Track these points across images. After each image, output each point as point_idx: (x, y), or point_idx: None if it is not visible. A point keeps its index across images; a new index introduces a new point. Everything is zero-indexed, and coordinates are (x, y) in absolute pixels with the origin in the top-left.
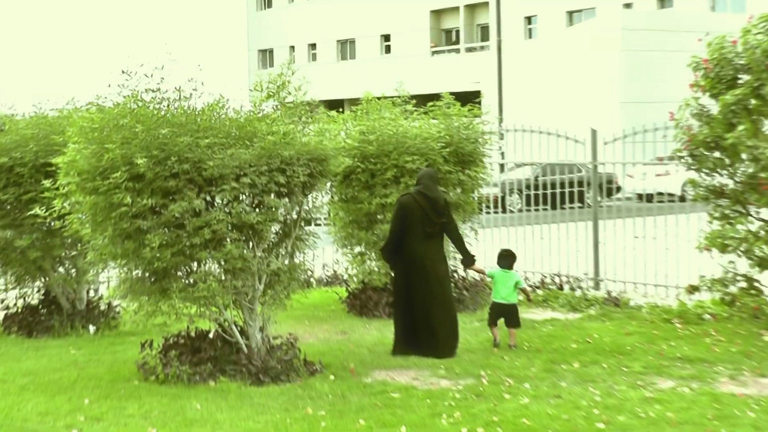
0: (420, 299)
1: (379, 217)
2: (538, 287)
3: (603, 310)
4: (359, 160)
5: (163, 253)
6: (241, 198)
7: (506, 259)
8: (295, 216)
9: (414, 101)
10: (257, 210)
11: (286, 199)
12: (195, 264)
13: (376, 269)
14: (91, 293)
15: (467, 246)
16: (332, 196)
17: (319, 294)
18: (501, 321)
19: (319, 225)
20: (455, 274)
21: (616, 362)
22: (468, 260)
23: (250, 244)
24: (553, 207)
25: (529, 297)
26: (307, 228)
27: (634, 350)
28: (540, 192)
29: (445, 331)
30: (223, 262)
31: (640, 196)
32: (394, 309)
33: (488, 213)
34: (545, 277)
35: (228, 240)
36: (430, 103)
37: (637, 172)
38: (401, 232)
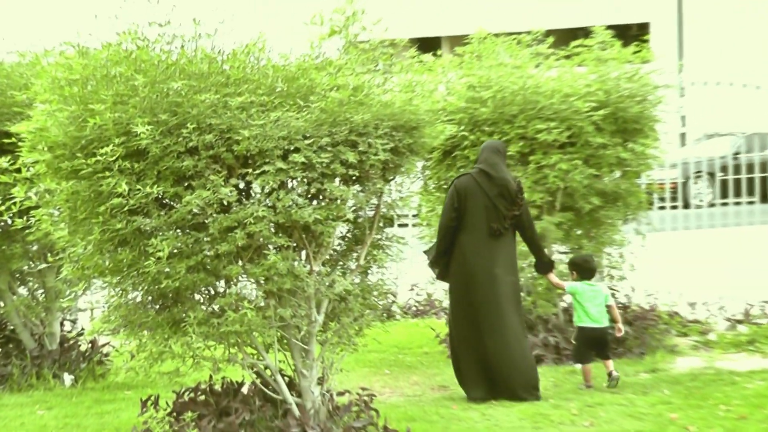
0: (485, 324)
1: None
2: (740, 321)
3: None
4: (467, 128)
5: (176, 266)
6: (290, 185)
7: (588, 268)
8: (371, 212)
9: (550, 39)
10: (314, 203)
11: (358, 187)
12: (222, 283)
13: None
14: (67, 326)
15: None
16: (426, 183)
17: (405, 329)
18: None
19: (407, 226)
20: (617, 299)
21: None
22: (545, 266)
23: (304, 253)
24: (764, 199)
25: (617, 320)
26: (388, 230)
27: None
28: (743, 176)
29: (517, 366)
30: (263, 281)
31: None
32: (451, 337)
33: (662, 209)
34: (751, 306)
35: (271, 248)
36: (575, 43)
37: None
38: (454, 228)
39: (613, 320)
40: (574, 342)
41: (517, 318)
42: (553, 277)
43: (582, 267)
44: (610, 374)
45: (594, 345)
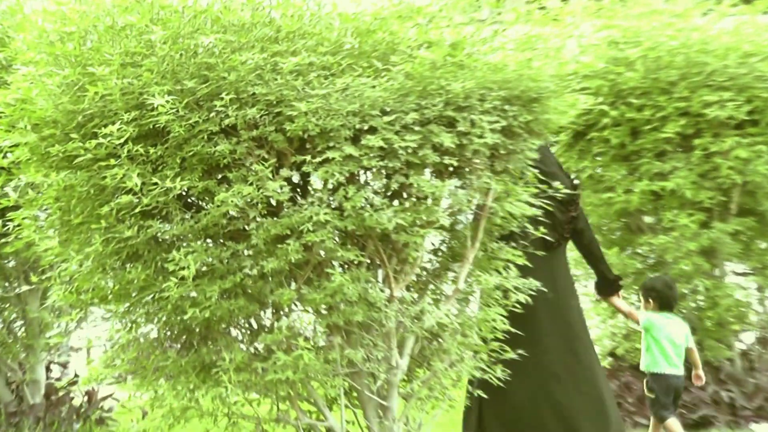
0: (553, 365)
1: (646, 219)
2: None
3: None
4: (607, 100)
5: (205, 289)
6: (363, 178)
7: (669, 295)
8: (473, 216)
9: None
10: (396, 203)
11: (456, 182)
12: (268, 314)
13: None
14: (56, 372)
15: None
16: None
17: None
18: None
19: (524, 237)
20: None
21: None
22: (610, 286)
23: (382, 273)
24: None
25: (697, 366)
26: (495, 245)
27: None
28: None
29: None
30: (325, 311)
31: None
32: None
33: None
34: None
35: (336, 265)
36: None
37: None
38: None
39: (692, 365)
40: (649, 394)
41: (593, 355)
42: (619, 301)
43: (662, 294)
44: None
45: (674, 396)
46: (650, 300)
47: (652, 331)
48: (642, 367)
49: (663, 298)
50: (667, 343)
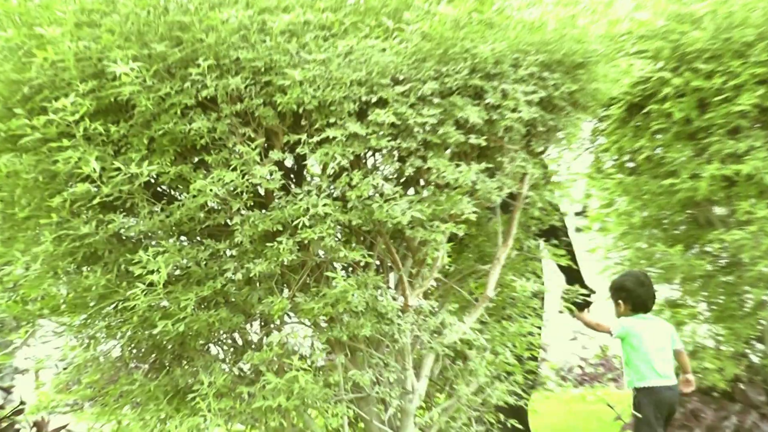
0: None
1: (717, 211)
2: None
3: None
4: (669, 65)
5: (179, 298)
6: (370, 162)
7: (643, 294)
8: (503, 211)
9: None
10: (411, 192)
11: (484, 165)
12: (256, 327)
13: (713, 349)
14: None
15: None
16: (598, 159)
17: (564, 405)
18: None
19: (563, 233)
20: None
21: None
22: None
23: (394, 278)
24: None
25: (686, 370)
26: (533, 242)
27: None
28: None
29: None
30: (325, 324)
31: None
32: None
33: None
34: None
35: (338, 268)
36: None
37: None
38: None
39: (681, 370)
40: (636, 413)
41: None
42: (586, 316)
43: (634, 293)
44: None
45: (667, 413)
46: (620, 302)
47: (628, 339)
48: (625, 385)
49: (635, 298)
50: (650, 350)
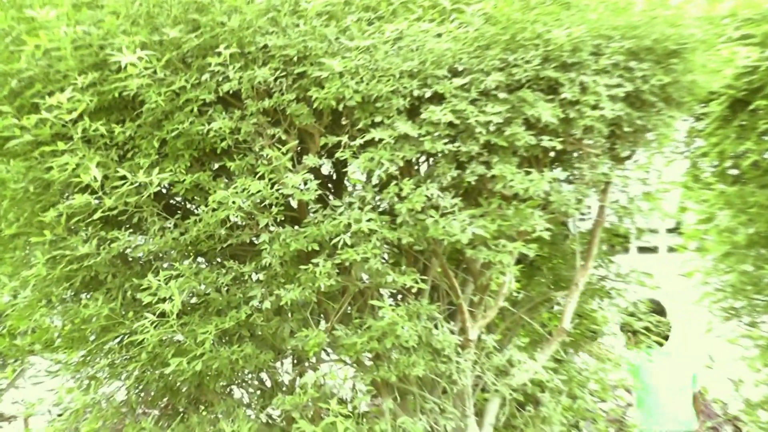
0: None
1: None
2: None
3: None
4: None
5: (196, 331)
6: (422, 169)
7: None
8: (581, 226)
9: None
10: (471, 205)
11: (559, 173)
12: (287, 366)
13: None
14: None
15: None
16: (694, 165)
17: None
18: None
19: (655, 250)
20: None
21: None
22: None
23: (451, 306)
24: None
25: (706, 410)
26: (620, 259)
27: None
28: None
29: None
30: (368, 361)
31: None
32: None
33: None
34: None
35: (384, 295)
36: None
37: None
38: None
39: (703, 413)
40: None
41: None
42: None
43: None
44: None
45: None
46: (629, 334)
47: (639, 375)
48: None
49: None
50: (662, 391)
